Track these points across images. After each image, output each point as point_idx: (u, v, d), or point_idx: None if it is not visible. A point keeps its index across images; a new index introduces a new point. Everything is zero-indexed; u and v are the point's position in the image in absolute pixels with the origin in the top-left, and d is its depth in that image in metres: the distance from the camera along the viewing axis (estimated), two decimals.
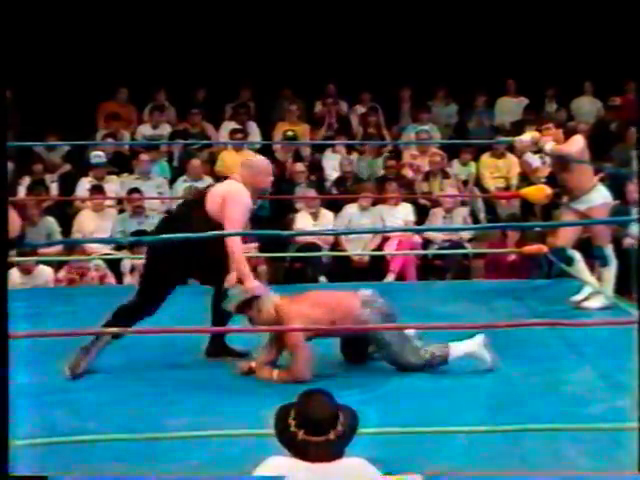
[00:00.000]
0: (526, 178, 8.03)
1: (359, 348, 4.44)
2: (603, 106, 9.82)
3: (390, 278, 7.27)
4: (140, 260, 7.01)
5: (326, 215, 7.64)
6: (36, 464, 3.04)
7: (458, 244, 7.69)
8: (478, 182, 8.73)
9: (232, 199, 4.24)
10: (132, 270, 7.11)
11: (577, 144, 5.59)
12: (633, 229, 6.73)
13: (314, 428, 2.27)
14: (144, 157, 8.27)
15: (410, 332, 4.35)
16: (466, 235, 7.82)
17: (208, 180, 7.70)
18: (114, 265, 7.11)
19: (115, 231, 7.37)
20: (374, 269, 7.40)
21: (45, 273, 6.77)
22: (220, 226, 4.23)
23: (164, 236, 4.19)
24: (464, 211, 7.89)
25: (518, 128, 8.60)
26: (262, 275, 7.16)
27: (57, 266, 6.95)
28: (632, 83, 9.12)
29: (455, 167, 8.71)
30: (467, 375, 4.26)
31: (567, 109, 9.74)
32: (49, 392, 3.97)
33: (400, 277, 7.31)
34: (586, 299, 5.62)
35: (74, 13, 9.28)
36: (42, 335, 3.78)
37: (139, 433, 3.49)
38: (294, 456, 2.30)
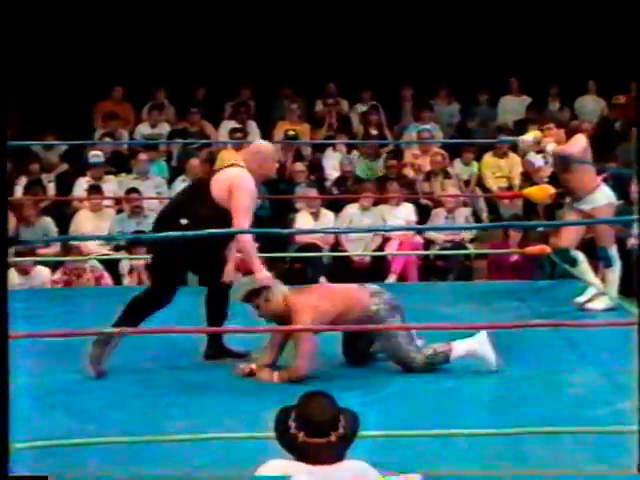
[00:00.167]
0: (529, 178, 8.04)
1: (361, 348, 4.45)
2: (607, 105, 9.83)
3: (391, 279, 7.28)
4: (138, 261, 7.06)
5: (327, 215, 7.65)
6: (34, 466, 3.04)
7: (460, 245, 7.70)
8: (480, 182, 8.74)
9: (238, 187, 4.23)
10: (131, 271, 7.12)
11: (579, 144, 5.56)
12: (635, 229, 6.73)
13: (315, 430, 2.28)
14: (142, 157, 8.28)
15: (412, 332, 4.36)
16: (468, 235, 7.83)
17: None
18: (112, 266, 7.11)
19: (113, 231, 7.38)
20: (375, 270, 7.41)
21: (42, 274, 6.78)
22: (226, 212, 4.23)
23: (169, 233, 4.19)
24: (466, 211, 7.89)
25: (521, 127, 8.61)
26: None
27: (54, 267, 6.96)
28: (634, 83, 9.12)
29: (457, 167, 8.72)
30: (469, 377, 4.26)
31: (570, 108, 9.75)
32: (46, 394, 3.98)
33: (401, 278, 7.32)
34: (590, 300, 5.62)
35: (72, 11, 9.29)
36: (42, 335, 3.78)
37: (138, 436, 3.50)
38: (294, 458, 2.30)
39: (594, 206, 5.55)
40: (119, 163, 8.54)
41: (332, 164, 8.70)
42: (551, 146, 5.64)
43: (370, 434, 3.14)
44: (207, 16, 9.62)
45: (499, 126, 9.48)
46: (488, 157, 8.79)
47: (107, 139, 8.73)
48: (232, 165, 4.44)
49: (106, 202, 7.79)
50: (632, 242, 6.87)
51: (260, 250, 7.05)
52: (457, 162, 8.78)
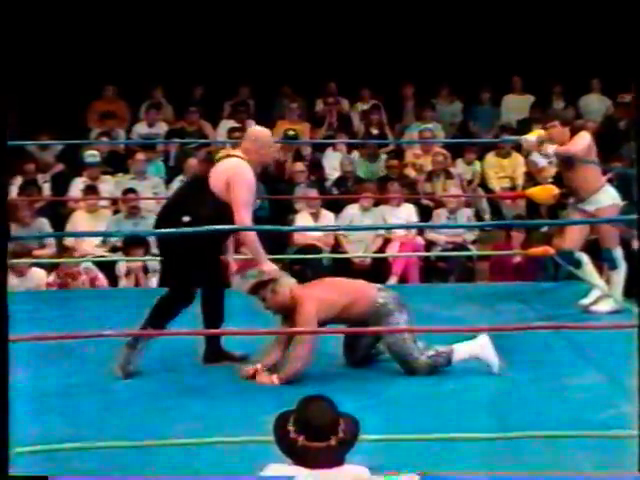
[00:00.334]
0: (532, 178, 8.04)
1: (363, 348, 4.46)
2: (612, 103, 9.83)
3: (392, 281, 7.28)
4: (136, 263, 7.07)
5: (327, 216, 7.66)
6: (31, 470, 3.05)
7: (462, 246, 7.70)
8: (483, 182, 8.74)
9: (235, 181, 4.25)
10: (128, 274, 7.13)
11: (582, 141, 5.52)
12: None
13: (314, 434, 2.29)
14: (140, 156, 8.29)
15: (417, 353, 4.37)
16: (470, 237, 7.84)
17: None
18: (108, 268, 7.12)
19: (109, 232, 7.39)
20: (376, 272, 7.41)
21: (38, 276, 6.79)
22: (227, 205, 4.24)
23: (166, 230, 4.20)
24: (468, 212, 7.90)
25: (524, 126, 8.61)
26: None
27: (49, 269, 6.96)
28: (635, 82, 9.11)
29: (459, 166, 8.73)
30: (471, 380, 4.27)
31: (575, 107, 9.75)
32: (44, 397, 3.99)
33: (403, 280, 7.32)
34: (595, 303, 5.62)
35: (69, 9, 9.30)
36: (42, 338, 3.79)
37: (136, 440, 3.51)
38: (294, 463, 2.31)
39: (598, 207, 5.53)
40: (116, 163, 8.54)
41: (332, 164, 8.71)
42: (552, 148, 5.63)
43: (370, 438, 3.15)
44: (206, 14, 9.62)
45: (502, 125, 9.48)
46: (491, 157, 8.80)
47: (103, 138, 8.74)
48: (228, 156, 4.44)
49: (102, 203, 7.80)
50: (637, 243, 6.87)
51: None
52: (459, 162, 8.78)
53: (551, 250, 6.12)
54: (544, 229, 7.64)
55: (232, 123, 9.01)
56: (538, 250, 6.28)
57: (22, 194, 7.65)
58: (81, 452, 3.41)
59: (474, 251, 7.70)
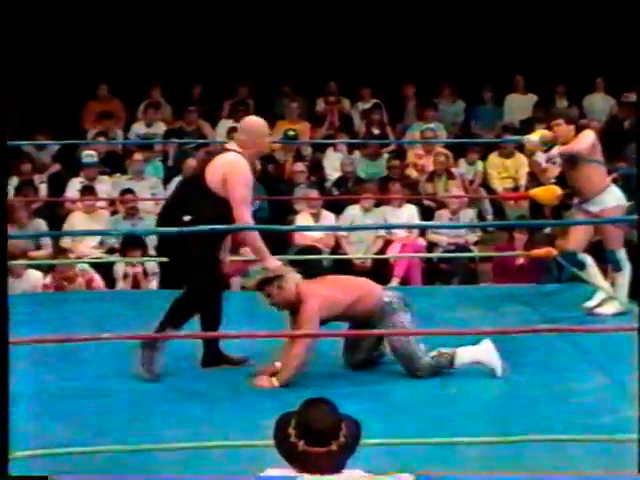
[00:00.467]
0: (535, 178, 8.03)
1: (363, 352, 4.46)
2: (616, 103, 9.83)
3: (394, 283, 7.27)
4: (132, 264, 7.06)
5: (327, 217, 7.65)
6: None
7: (464, 247, 7.69)
8: (485, 182, 8.74)
9: (233, 178, 4.23)
10: (125, 276, 7.12)
11: (587, 140, 5.49)
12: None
13: (315, 438, 2.28)
14: (137, 156, 8.28)
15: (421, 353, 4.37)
16: (472, 238, 7.83)
17: None
18: (106, 270, 7.11)
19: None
20: (377, 273, 7.38)
21: (34, 278, 6.78)
22: (223, 201, 4.23)
23: (163, 229, 4.19)
24: (471, 213, 7.90)
25: (527, 126, 8.61)
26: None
27: (45, 271, 6.94)
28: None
29: (462, 166, 8.73)
30: (474, 384, 4.27)
31: (578, 106, 9.74)
32: (39, 401, 3.98)
33: (404, 282, 7.31)
34: (599, 305, 5.61)
35: (66, 7, 9.30)
36: (42, 341, 3.79)
37: (134, 444, 3.50)
38: (294, 467, 2.30)
39: (603, 208, 5.51)
40: (113, 163, 8.54)
41: (333, 164, 8.71)
42: (555, 150, 5.60)
43: (372, 442, 3.14)
44: (204, 12, 9.62)
45: (505, 125, 9.48)
46: (493, 157, 8.80)
47: (101, 138, 8.73)
48: (224, 150, 4.40)
49: (100, 203, 7.79)
50: None
51: None
52: (462, 162, 8.78)
53: (554, 251, 6.11)
54: (547, 230, 7.64)
55: (231, 123, 8.99)
56: (541, 251, 6.27)
57: (18, 195, 7.65)
58: (78, 456, 3.41)
59: (476, 252, 7.69)
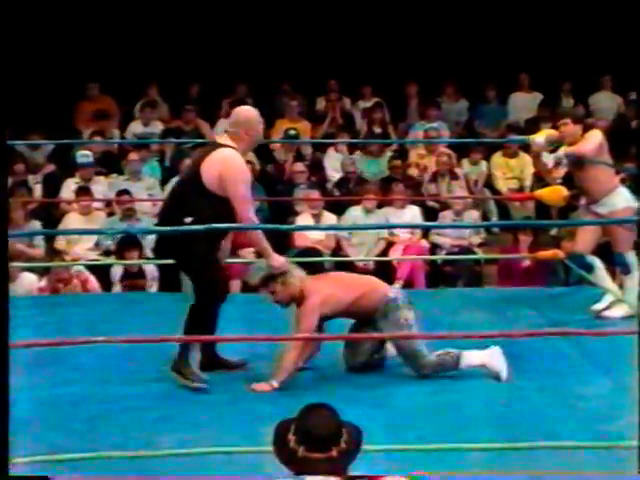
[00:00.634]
0: (541, 179, 8.01)
1: (363, 355, 4.45)
2: (623, 102, 9.82)
3: (397, 285, 7.25)
4: (129, 266, 7.05)
5: (328, 218, 7.64)
6: None
7: (468, 250, 7.68)
8: (490, 183, 8.73)
9: (230, 176, 4.19)
10: (122, 279, 7.10)
11: (593, 140, 5.48)
12: None
13: (315, 444, 2.26)
14: (133, 156, 8.27)
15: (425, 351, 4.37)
16: (477, 240, 7.82)
17: None
18: (103, 272, 7.10)
19: (103, 236, 7.37)
20: (379, 276, 7.33)
21: (28, 281, 6.77)
22: (222, 200, 4.20)
23: (159, 229, 4.18)
24: (475, 214, 7.88)
25: (533, 125, 8.59)
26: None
27: (40, 274, 6.93)
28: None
29: (465, 166, 8.72)
30: (478, 388, 4.26)
31: (585, 105, 9.73)
32: (32, 407, 3.96)
33: (407, 284, 7.30)
34: (607, 308, 5.60)
35: (62, 4, 9.29)
36: (37, 345, 3.78)
37: (128, 450, 3.49)
38: (294, 474, 2.29)
39: (611, 209, 5.49)
40: (109, 163, 8.53)
41: (334, 164, 8.70)
42: (563, 150, 5.59)
43: (374, 448, 3.13)
44: (202, 9, 9.62)
45: (509, 124, 9.47)
46: (498, 157, 8.78)
47: (96, 138, 8.72)
48: (217, 146, 4.33)
49: (96, 204, 7.78)
50: None
51: (257, 254, 7.07)
52: (465, 162, 8.77)
53: (560, 253, 6.10)
54: (553, 232, 7.63)
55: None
56: (548, 253, 6.26)
57: (12, 195, 7.63)
58: (74, 463, 3.39)
59: (481, 255, 7.68)
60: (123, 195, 7.60)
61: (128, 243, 7.09)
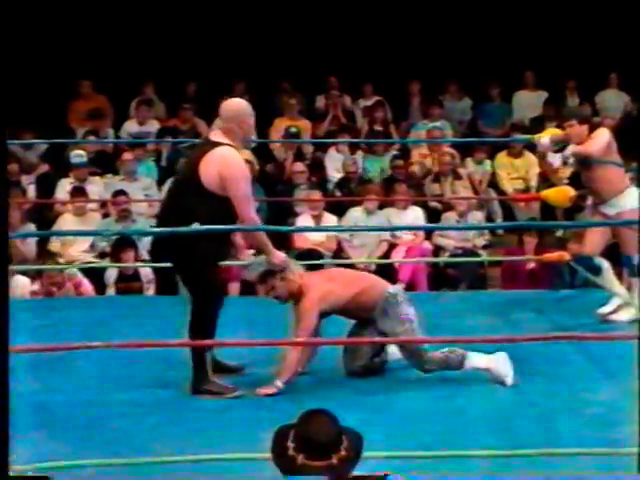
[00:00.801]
0: (547, 179, 8.02)
1: (363, 359, 4.46)
2: (631, 99, 9.81)
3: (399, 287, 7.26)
4: (124, 268, 7.05)
5: (329, 219, 7.64)
6: None
7: (472, 252, 7.68)
8: (494, 183, 8.73)
9: (231, 175, 4.18)
10: (117, 282, 7.10)
11: (600, 140, 5.46)
12: None
13: (315, 452, 2.26)
14: (127, 156, 8.27)
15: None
16: (480, 242, 7.82)
17: None
18: (97, 274, 7.10)
19: (98, 238, 7.37)
20: (381, 278, 7.38)
21: (21, 284, 6.76)
22: (220, 199, 4.19)
23: (156, 230, 4.16)
24: (479, 215, 7.88)
25: (537, 124, 8.59)
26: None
27: (33, 277, 6.92)
28: None
29: (469, 166, 8.72)
30: (483, 394, 4.26)
31: (591, 103, 9.73)
32: (25, 413, 3.96)
33: (410, 287, 7.29)
34: (615, 311, 5.59)
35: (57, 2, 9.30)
36: (36, 350, 3.78)
37: (122, 457, 3.49)
38: None
39: (620, 210, 5.47)
40: (104, 163, 8.53)
41: (335, 164, 8.70)
42: (570, 149, 5.58)
43: (375, 455, 3.13)
44: (199, 5, 9.62)
45: (513, 123, 9.47)
46: (502, 156, 8.78)
47: (91, 137, 8.72)
48: (213, 144, 4.30)
49: (91, 205, 7.78)
50: None
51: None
52: (469, 161, 8.77)
53: (566, 255, 6.10)
54: (559, 233, 7.63)
55: None
56: (553, 256, 6.26)
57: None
58: (71, 469, 3.40)
59: (485, 257, 7.67)
60: (119, 196, 7.59)
61: (123, 244, 7.09)
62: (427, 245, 7.71)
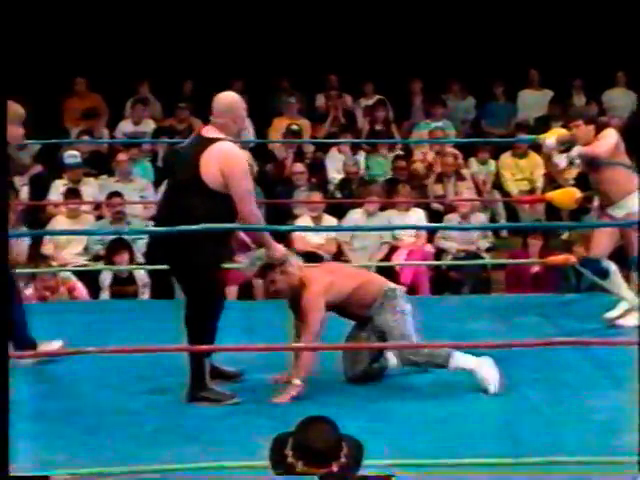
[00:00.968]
0: (553, 180, 8.03)
1: (363, 363, 4.47)
2: (638, 98, 9.83)
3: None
4: (118, 271, 7.05)
5: (329, 221, 7.65)
6: None
7: (475, 254, 7.69)
8: (498, 184, 8.73)
9: (233, 171, 4.18)
10: (112, 285, 7.11)
11: (608, 141, 5.47)
12: None
13: (314, 459, 2.28)
14: (122, 157, 8.27)
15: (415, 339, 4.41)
16: (484, 244, 7.83)
17: None
18: (91, 278, 7.11)
19: (92, 239, 7.38)
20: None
21: None
22: (221, 197, 4.19)
23: (153, 229, 4.17)
24: (482, 217, 7.89)
25: (542, 124, 8.61)
26: (258, 289, 7.18)
27: (26, 281, 6.92)
28: None
29: (473, 166, 8.73)
30: (486, 401, 4.26)
31: (597, 102, 9.75)
32: (18, 420, 3.96)
33: (411, 291, 7.30)
34: (622, 316, 5.60)
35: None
36: (34, 355, 3.79)
37: (118, 466, 3.50)
38: None
39: (628, 212, 5.49)
40: (99, 164, 8.54)
41: (335, 165, 8.71)
42: (576, 150, 5.59)
43: (375, 463, 3.14)
44: (195, 2, 9.63)
45: (518, 123, 9.48)
46: (507, 157, 8.79)
47: (85, 137, 8.73)
48: (210, 141, 4.28)
49: (85, 207, 7.79)
50: None
51: None
52: (473, 161, 8.78)
53: (572, 258, 6.10)
54: (564, 236, 7.64)
55: None
56: (559, 259, 6.27)
57: None
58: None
59: (488, 260, 7.68)
60: (114, 197, 7.59)
61: (118, 246, 7.10)
62: (429, 248, 7.72)
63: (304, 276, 4.40)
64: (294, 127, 8.73)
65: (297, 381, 4.25)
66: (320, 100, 9.78)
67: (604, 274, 5.65)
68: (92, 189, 8.07)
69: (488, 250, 7.85)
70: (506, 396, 4.31)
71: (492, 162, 8.81)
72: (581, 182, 6.67)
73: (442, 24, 9.72)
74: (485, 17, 9.72)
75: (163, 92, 9.63)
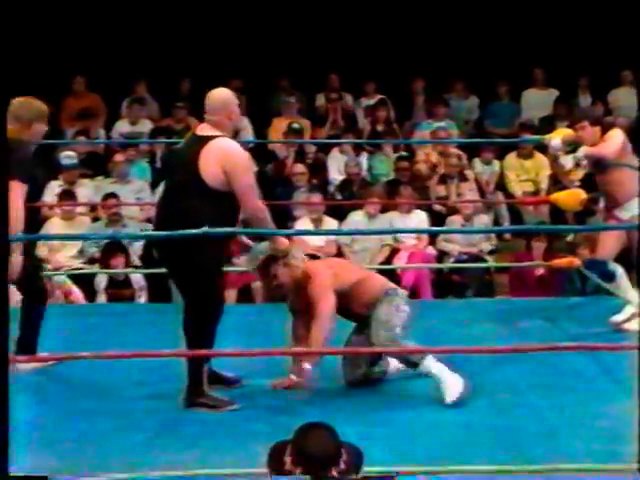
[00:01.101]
0: (558, 181, 8.04)
1: (363, 366, 4.49)
2: None
3: None
4: (114, 274, 7.06)
5: (329, 223, 7.66)
6: None
7: (478, 257, 7.69)
8: (502, 186, 8.74)
9: (235, 167, 4.19)
10: (107, 288, 7.12)
11: (615, 141, 5.49)
12: None
13: (314, 466, 2.29)
14: (119, 157, 8.29)
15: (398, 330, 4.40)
16: (487, 247, 7.84)
17: None
18: (86, 281, 7.11)
19: (87, 243, 7.39)
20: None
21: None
22: (223, 196, 4.19)
23: (152, 233, 4.17)
24: (485, 219, 7.90)
25: (547, 124, 8.61)
26: (257, 292, 7.19)
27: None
28: None
29: (477, 166, 8.73)
30: (489, 406, 4.27)
31: (603, 102, 9.75)
32: (16, 425, 3.97)
33: (413, 294, 7.31)
34: (628, 320, 5.60)
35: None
36: (30, 360, 3.80)
37: (114, 472, 3.51)
38: None
39: (634, 214, 5.50)
40: (95, 165, 8.55)
41: (336, 166, 8.72)
42: (582, 152, 5.59)
43: (374, 470, 3.15)
44: (193, 1, 9.64)
45: (522, 123, 9.48)
46: (512, 158, 8.79)
47: (81, 137, 8.74)
48: (206, 139, 4.26)
49: (80, 209, 7.80)
50: None
51: None
52: (476, 162, 8.78)
53: (577, 261, 6.11)
54: (569, 238, 7.64)
55: None
56: (563, 261, 6.28)
57: None
58: None
59: (492, 262, 7.69)
60: (110, 199, 7.60)
61: (114, 249, 7.11)
62: (431, 250, 7.73)
63: (307, 268, 4.43)
64: (295, 125, 8.75)
65: (307, 365, 4.23)
66: (320, 100, 9.79)
67: (610, 277, 5.65)
68: (87, 190, 8.08)
69: (491, 253, 7.86)
70: (509, 402, 4.32)
71: (496, 162, 8.81)
72: (587, 183, 6.68)
73: (444, 22, 9.72)
74: (488, 15, 9.73)
75: (160, 92, 9.64)
